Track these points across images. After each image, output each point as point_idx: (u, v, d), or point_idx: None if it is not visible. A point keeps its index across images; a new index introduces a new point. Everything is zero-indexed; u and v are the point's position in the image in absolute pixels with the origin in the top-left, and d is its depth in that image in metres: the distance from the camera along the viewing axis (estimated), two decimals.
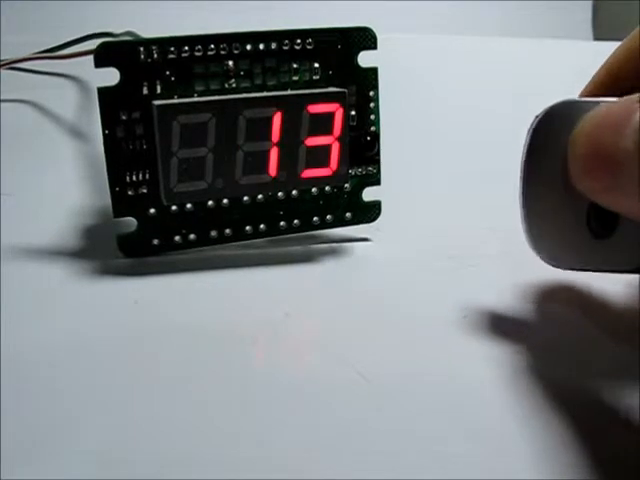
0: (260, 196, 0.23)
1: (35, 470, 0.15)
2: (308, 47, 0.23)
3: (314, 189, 0.24)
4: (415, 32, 0.55)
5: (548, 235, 0.18)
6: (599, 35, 0.81)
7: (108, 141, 0.22)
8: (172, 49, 0.22)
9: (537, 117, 0.18)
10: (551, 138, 0.18)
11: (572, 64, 0.52)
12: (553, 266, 0.19)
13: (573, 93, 0.43)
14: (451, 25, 0.67)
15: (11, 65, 0.39)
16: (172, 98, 0.22)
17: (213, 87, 0.22)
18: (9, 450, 0.15)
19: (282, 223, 0.24)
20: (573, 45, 0.56)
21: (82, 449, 0.16)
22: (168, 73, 0.22)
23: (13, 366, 0.18)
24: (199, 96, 0.22)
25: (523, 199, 0.18)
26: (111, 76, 0.21)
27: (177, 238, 0.23)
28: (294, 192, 0.24)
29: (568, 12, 0.80)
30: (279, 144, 0.22)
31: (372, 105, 0.24)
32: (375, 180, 0.25)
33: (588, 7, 0.84)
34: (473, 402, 0.18)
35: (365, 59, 0.24)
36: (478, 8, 0.73)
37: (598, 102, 0.17)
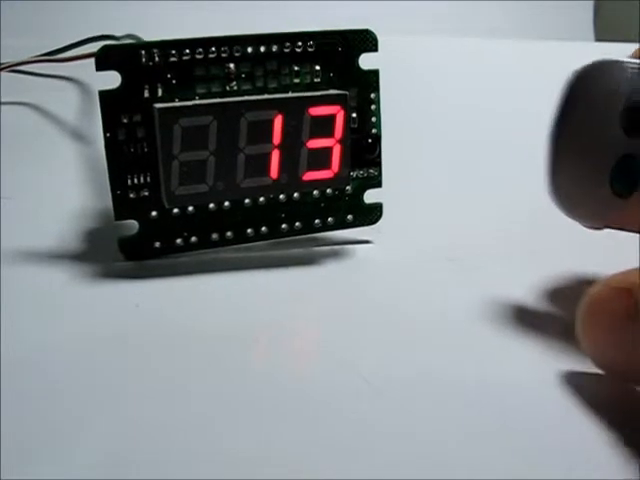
0: (261, 199, 0.23)
1: (35, 470, 0.15)
2: (309, 49, 0.23)
3: (315, 191, 0.24)
4: (416, 34, 0.55)
5: (571, 188, 0.19)
6: (600, 36, 0.81)
7: (109, 144, 0.22)
8: (173, 52, 0.22)
9: (575, 72, 0.18)
10: (586, 95, 0.18)
11: (573, 65, 0.52)
12: (572, 218, 0.19)
13: None
14: (452, 27, 0.67)
15: (12, 68, 0.39)
16: (173, 101, 0.22)
17: (214, 90, 0.22)
18: (9, 450, 0.15)
19: (283, 226, 0.24)
20: (574, 46, 0.55)
21: (82, 450, 0.16)
22: (169, 76, 0.22)
23: (14, 369, 0.18)
24: (200, 99, 0.22)
25: (551, 151, 0.19)
26: (112, 79, 0.21)
27: (178, 241, 0.23)
28: (295, 195, 0.24)
29: (569, 13, 0.80)
30: (280, 147, 0.22)
31: (373, 107, 0.24)
32: (376, 182, 0.25)
33: (589, 8, 0.83)
34: (475, 404, 0.18)
35: (366, 61, 0.24)
36: (479, 9, 0.73)
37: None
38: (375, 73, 0.24)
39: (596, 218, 0.19)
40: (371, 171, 0.25)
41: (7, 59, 0.38)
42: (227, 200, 0.23)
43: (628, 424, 0.16)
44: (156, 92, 0.22)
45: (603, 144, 0.18)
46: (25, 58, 0.40)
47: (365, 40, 0.24)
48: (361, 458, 0.16)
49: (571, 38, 0.67)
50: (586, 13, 0.84)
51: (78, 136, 0.34)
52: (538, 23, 0.77)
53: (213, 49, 0.22)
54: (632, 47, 0.44)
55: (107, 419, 0.17)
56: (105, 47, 0.21)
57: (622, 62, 0.18)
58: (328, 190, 0.24)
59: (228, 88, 0.23)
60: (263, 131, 0.22)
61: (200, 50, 0.22)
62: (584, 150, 0.18)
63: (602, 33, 0.82)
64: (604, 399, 0.17)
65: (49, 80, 0.42)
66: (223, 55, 0.22)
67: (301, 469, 0.16)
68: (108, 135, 0.22)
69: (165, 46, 0.22)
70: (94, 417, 0.17)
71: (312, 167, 0.23)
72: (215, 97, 0.22)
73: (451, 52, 0.51)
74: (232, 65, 0.22)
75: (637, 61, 0.18)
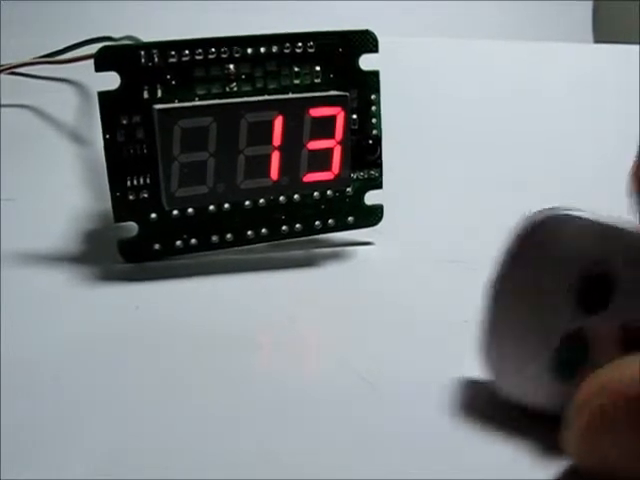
0: (262, 200, 0.23)
1: (35, 470, 0.15)
2: (309, 50, 0.23)
3: (316, 193, 0.24)
4: (416, 35, 0.55)
5: (505, 364, 0.16)
6: (599, 38, 0.81)
7: (109, 145, 0.21)
8: (173, 53, 0.22)
9: (522, 229, 0.15)
10: (531, 261, 0.15)
11: (572, 67, 0.52)
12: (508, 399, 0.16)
13: (574, 96, 0.43)
14: (451, 28, 0.67)
15: (11, 70, 0.39)
16: (173, 102, 0.22)
17: (214, 91, 0.22)
18: (9, 450, 0.15)
19: (284, 227, 0.24)
20: (573, 48, 0.55)
21: (82, 450, 0.16)
22: (169, 77, 0.22)
23: (13, 370, 0.18)
24: (200, 100, 0.22)
25: (490, 310, 0.16)
26: (111, 80, 0.21)
27: (178, 243, 0.23)
28: (296, 196, 0.24)
29: (568, 14, 0.80)
30: (281, 148, 0.22)
31: (374, 108, 0.24)
32: (377, 184, 0.25)
33: (588, 9, 0.83)
34: (477, 404, 0.17)
35: (366, 62, 0.24)
36: (478, 11, 0.73)
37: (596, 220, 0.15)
38: (375, 74, 0.24)
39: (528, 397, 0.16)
40: (372, 172, 0.25)
41: (6, 61, 0.38)
42: (227, 202, 0.23)
43: None
44: (155, 93, 0.22)
45: (549, 318, 0.15)
46: (23, 60, 0.40)
47: (365, 41, 0.24)
48: (361, 458, 0.16)
49: (570, 39, 0.67)
50: (585, 14, 0.84)
51: (77, 138, 0.34)
52: (537, 24, 0.77)
53: (213, 50, 0.22)
54: (631, 48, 0.44)
55: (107, 421, 0.17)
56: (104, 48, 0.21)
57: (578, 219, 0.15)
58: (329, 192, 0.24)
59: (228, 89, 0.22)
60: (263, 132, 0.22)
61: (200, 51, 0.22)
62: (525, 323, 0.15)
63: (601, 34, 0.82)
64: None
65: (48, 82, 0.42)
66: (223, 56, 0.22)
67: (302, 469, 0.16)
68: (107, 136, 0.21)
69: (164, 47, 0.22)
70: (94, 418, 0.17)
71: (312, 168, 0.23)
72: (215, 98, 0.22)
73: (451, 53, 0.51)
74: (232, 66, 0.22)
75: (594, 218, 0.15)
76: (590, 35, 0.82)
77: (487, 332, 0.16)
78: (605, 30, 0.82)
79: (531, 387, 0.16)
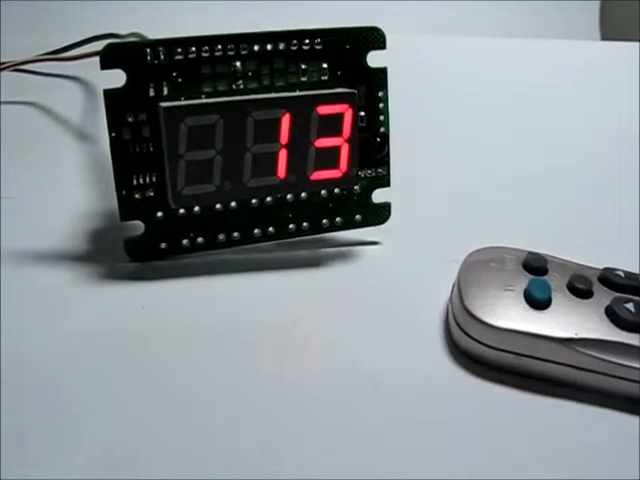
0: (269, 199, 0.23)
1: (35, 470, 0.15)
2: (316, 47, 0.23)
3: (323, 191, 0.24)
4: (421, 33, 0.55)
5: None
6: (606, 35, 0.81)
7: (114, 144, 0.21)
8: (179, 50, 0.21)
9: None
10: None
11: (579, 64, 0.52)
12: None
13: (581, 93, 0.42)
14: (457, 26, 0.67)
15: (16, 67, 0.39)
16: (179, 100, 0.22)
17: (221, 88, 0.22)
18: (9, 450, 0.15)
19: (291, 226, 0.24)
20: (580, 45, 0.55)
21: (82, 450, 0.16)
22: (175, 74, 0.22)
23: (18, 368, 0.18)
24: (206, 97, 0.22)
25: None
26: (117, 78, 0.21)
27: (185, 242, 0.23)
28: (303, 194, 0.23)
29: (575, 12, 0.80)
30: (288, 146, 0.22)
31: (381, 106, 0.24)
32: (385, 182, 0.25)
33: (595, 7, 0.83)
34: (479, 406, 0.17)
35: (374, 59, 0.24)
36: (485, 9, 0.73)
37: None
38: (383, 71, 0.24)
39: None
40: (379, 170, 0.24)
41: (10, 58, 0.38)
42: (234, 200, 0.23)
43: None
44: (162, 91, 0.21)
45: None
46: (28, 57, 0.40)
47: (373, 38, 0.23)
48: (364, 458, 0.16)
49: (577, 37, 0.67)
50: (592, 12, 0.84)
51: (82, 136, 0.34)
52: (544, 22, 0.76)
53: (219, 47, 0.22)
54: (637, 45, 0.44)
55: (108, 420, 0.17)
56: (110, 45, 0.21)
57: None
58: (336, 190, 0.24)
59: (234, 87, 0.22)
60: (270, 130, 0.22)
61: (206, 48, 0.22)
62: None
63: (608, 32, 0.82)
64: None
65: (53, 79, 0.42)
66: (229, 53, 0.22)
67: (305, 468, 0.15)
68: (113, 135, 0.21)
69: (171, 44, 0.21)
70: (97, 418, 0.17)
71: (320, 166, 0.23)
72: (221, 96, 0.22)
73: (459, 51, 0.51)
74: (238, 63, 0.22)
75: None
76: (597, 32, 0.82)
77: None
78: (612, 27, 0.82)
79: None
